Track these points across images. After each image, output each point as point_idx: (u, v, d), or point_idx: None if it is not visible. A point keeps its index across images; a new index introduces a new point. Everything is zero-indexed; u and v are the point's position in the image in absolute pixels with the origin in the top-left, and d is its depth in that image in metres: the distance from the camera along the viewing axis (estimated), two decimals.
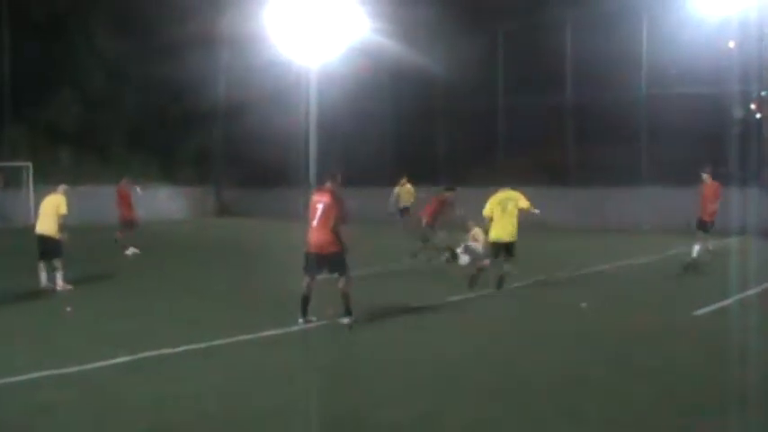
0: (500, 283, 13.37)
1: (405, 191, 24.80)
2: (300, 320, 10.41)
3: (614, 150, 26.92)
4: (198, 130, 37.28)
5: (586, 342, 9.70)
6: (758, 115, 26.79)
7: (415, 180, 25.37)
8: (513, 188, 13.67)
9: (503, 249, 13.31)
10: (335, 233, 10.29)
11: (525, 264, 14.53)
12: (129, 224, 20.37)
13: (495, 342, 9.75)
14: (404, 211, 24.40)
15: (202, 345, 9.29)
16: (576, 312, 11.53)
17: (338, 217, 10.34)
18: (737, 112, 25.76)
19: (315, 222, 10.35)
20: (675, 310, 11.76)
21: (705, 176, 16.17)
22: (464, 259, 16.39)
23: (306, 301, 10.45)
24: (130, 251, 19.55)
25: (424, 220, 17.45)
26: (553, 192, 25.93)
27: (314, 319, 10.51)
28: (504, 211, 13.24)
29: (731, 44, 26.53)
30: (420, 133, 31.96)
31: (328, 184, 10.68)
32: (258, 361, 8.80)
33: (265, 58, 32.01)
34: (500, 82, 30.61)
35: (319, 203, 10.41)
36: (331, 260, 10.36)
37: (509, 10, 29.31)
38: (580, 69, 28.16)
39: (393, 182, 25.68)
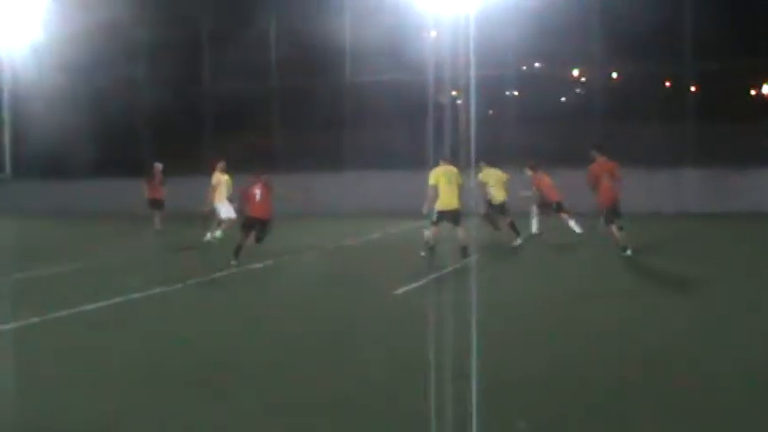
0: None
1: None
2: None
3: (319, 136, 27.22)
4: None
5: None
6: (459, 101, 28.11)
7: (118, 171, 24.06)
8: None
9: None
10: None
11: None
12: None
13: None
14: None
15: None
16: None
17: None
18: (438, 99, 26.83)
19: None
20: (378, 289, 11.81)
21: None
22: None
23: None
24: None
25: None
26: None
27: None
28: (449, 183, 14.21)
29: (433, 33, 27.56)
30: (122, 119, 30.48)
31: None
32: None
33: None
34: (207, 68, 30.12)
35: None
36: None
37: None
38: (285, 56, 28.12)
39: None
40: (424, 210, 14.68)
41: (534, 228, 18.41)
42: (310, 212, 23.35)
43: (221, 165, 18.80)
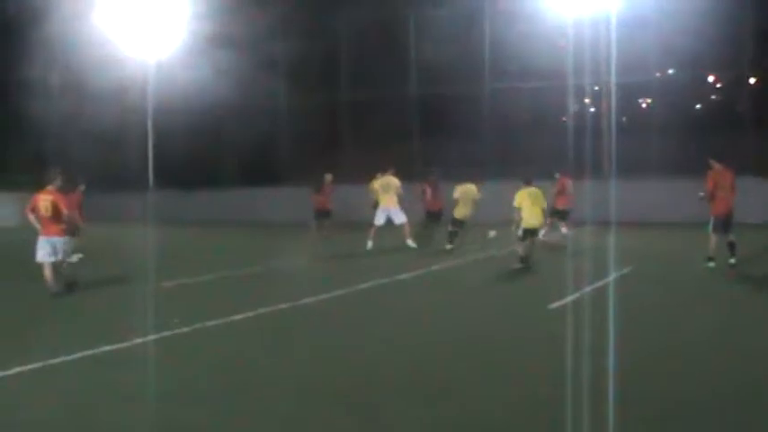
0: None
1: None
2: None
3: (458, 144, 27.37)
4: (32, 131, 35.18)
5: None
6: (592, 109, 27.87)
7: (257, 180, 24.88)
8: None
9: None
10: None
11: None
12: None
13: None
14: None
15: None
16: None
17: None
18: (573, 107, 26.72)
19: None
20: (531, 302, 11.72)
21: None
22: None
23: None
24: None
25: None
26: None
27: None
28: (533, 204, 15.27)
29: (562, 42, 27.43)
30: (261, 131, 31.46)
31: None
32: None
33: (100, 56, 30.68)
34: (342, 77, 30.70)
35: None
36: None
37: (351, 5, 29.36)
38: (424, 64, 28.50)
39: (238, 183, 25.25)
40: (516, 230, 15.58)
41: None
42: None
43: (392, 170, 19.94)
